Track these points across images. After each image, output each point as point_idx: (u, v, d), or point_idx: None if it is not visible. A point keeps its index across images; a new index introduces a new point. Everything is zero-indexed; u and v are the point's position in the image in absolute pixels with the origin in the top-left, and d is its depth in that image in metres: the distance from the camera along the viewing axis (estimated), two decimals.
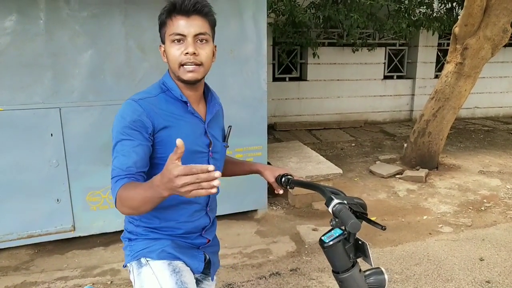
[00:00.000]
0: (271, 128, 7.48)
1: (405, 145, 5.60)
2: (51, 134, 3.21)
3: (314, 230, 3.71)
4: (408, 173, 5.05)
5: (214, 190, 0.96)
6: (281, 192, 1.65)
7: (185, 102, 1.38)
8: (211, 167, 0.94)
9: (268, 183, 1.68)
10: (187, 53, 1.28)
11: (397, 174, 5.12)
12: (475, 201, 4.34)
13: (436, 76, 8.41)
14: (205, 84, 1.48)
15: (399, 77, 8.63)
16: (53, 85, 3.15)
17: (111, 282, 2.95)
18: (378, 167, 5.36)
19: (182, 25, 1.27)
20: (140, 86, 1.45)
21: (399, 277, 2.98)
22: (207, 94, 1.50)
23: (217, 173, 0.95)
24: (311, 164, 4.64)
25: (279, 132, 7.37)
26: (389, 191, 4.67)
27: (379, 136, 7.25)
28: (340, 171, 4.42)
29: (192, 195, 0.96)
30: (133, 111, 1.28)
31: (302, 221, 3.93)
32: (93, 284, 2.93)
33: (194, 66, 1.30)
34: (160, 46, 1.38)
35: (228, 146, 1.57)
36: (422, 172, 5.02)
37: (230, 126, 1.58)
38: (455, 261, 3.16)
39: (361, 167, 5.50)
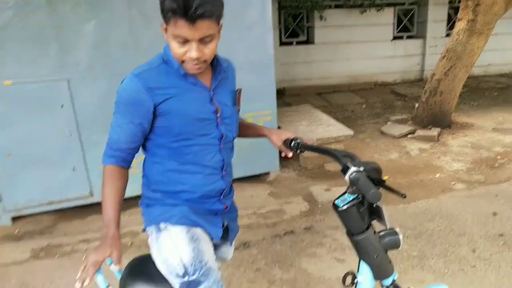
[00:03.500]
0: (281, 93, 7.42)
1: (417, 105, 5.54)
2: (62, 106, 3.24)
3: (326, 190, 3.75)
4: (420, 132, 5.02)
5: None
6: (290, 155, 1.63)
7: (184, 75, 1.34)
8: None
9: (276, 146, 1.67)
10: (190, 56, 1.24)
11: (409, 134, 5.10)
12: (489, 158, 4.32)
13: (448, 35, 8.19)
14: None
15: (409, 37, 8.43)
16: (59, 58, 3.14)
17: (131, 243, 3.04)
18: (390, 127, 5.33)
19: (186, 30, 1.18)
20: (146, 55, 1.43)
21: (412, 232, 3.02)
22: (213, 60, 1.43)
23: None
24: (321, 127, 4.64)
25: (289, 97, 7.32)
26: (401, 151, 4.67)
27: (390, 97, 7.17)
28: (351, 132, 4.42)
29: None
30: (132, 88, 1.29)
31: (315, 182, 3.97)
32: None
33: (198, 65, 1.28)
34: (162, 24, 1.27)
35: (239, 110, 1.54)
36: (434, 131, 4.99)
37: (239, 89, 1.55)
38: (468, 216, 3.19)
39: (372, 128, 5.48)
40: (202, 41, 1.23)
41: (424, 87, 5.48)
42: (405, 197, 1.34)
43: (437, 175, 3.99)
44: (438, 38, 8.30)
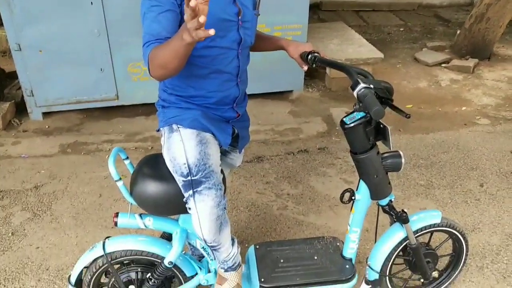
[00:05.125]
0: (316, 7, 7.05)
1: (458, 31, 5.20)
2: (91, 2, 3.23)
3: (347, 113, 3.74)
4: (455, 62, 4.78)
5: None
6: (305, 68, 1.64)
7: None
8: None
9: (293, 58, 1.67)
10: None
11: (444, 62, 4.86)
12: None
13: None
14: None
15: None
16: None
17: (152, 147, 3.22)
18: (424, 54, 5.09)
19: None
20: None
21: (424, 162, 3.05)
22: None
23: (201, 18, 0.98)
24: (352, 47, 4.47)
25: (324, 12, 6.96)
26: (431, 80, 4.51)
27: (432, 21, 6.72)
28: (382, 55, 4.26)
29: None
30: None
31: (337, 104, 3.95)
32: (135, 148, 3.22)
33: None
34: None
35: (259, 14, 1.54)
36: (470, 62, 4.74)
37: None
38: (484, 152, 3.17)
39: (406, 54, 5.25)
40: None
41: (470, 12, 5.09)
42: (409, 117, 1.36)
43: (463, 108, 3.88)
44: None
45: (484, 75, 4.60)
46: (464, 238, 1.82)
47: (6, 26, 3.19)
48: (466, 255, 1.88)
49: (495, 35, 4.93)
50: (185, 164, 1.44)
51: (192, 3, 0.96)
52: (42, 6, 3.15)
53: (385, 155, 1.55)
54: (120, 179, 1.51)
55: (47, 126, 3.48)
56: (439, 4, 7.67)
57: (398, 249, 1.72)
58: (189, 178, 1.43)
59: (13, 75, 3.63)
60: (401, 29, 6.29)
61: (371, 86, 1.35)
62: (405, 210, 1.63)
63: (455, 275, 1.93)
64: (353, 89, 1.36)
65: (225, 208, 1.49)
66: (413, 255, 1.73)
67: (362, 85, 1.33)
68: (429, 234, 1.80)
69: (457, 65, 4.72)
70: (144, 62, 1.27)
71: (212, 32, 1.00)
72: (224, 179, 1.57)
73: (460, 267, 1.91)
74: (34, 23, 3.19)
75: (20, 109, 3.60)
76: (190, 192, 1.44)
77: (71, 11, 3.22)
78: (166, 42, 1.19)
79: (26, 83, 3.38)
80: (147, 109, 3.69)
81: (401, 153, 1.54)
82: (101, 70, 3.48)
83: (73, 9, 3.21)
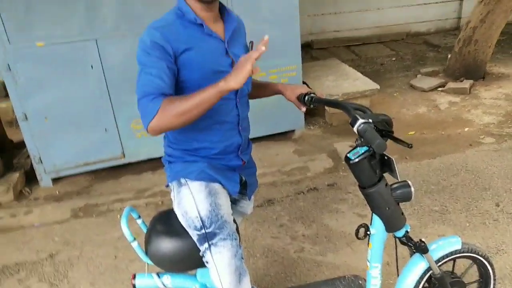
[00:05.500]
0: (308, 46, 7.26)
1: (449, 55, 5.31)
2: (92, 66, 3.34)
3: (351, 146, 3.76)
4: (451, 85, 4.85)
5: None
6: (303, 109, 1.67)
7: (201, 25, 1.40)
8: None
9: (291, 101, 1.70)
10: None
11: (439, 86, 4.93)
12: None
13: None
14: (220, 3, 1.47)
15: None
16: (87, 17, 3.21)
17: (162, 202, 3.22)
18: (419, 80, 5.17)
19: None
20: (168, 10, 1.49)
21: (435, 187, 3.03)
22: (223, 12, 1.50)
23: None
24: (348, 81, 4.56)
25: (316, 51, 7.15)
26: (429, 104, 4.56)
27: (422, 48, 6.88)
28: (377, 86, 4.34)
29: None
30: (153, 36, 1.33)
31: (339, 139, 3.98)
32: (146, 204, 3.23)
33: None
34: None
35: None
36: (466, 83, 4.81)
37: (251, 42, 1.56)
38: (495, 170, 3.15)
39: (401, 82, 5.34)
40: None
41: (458, 36, 5.23)
42: (411, 147, 1.37)
43: (466, 129, 3.90)
44: None
45: (481, 95, 4.65)
46: (488, 262, 1.78)
47: (12, 97, 3.30)
48: (494, 279, 1.82)
49: (486, 56, 5.04)
50: (197, 217, 1.44)
51: (263, 49, 1.17)
52: (45, 75, 3.26)
53: (394, 186, 1.55)
54: (135, 239, 1.51)
55: (57, 192, 3.51)
56: (426, 31, 7.88)
57: (423, 281, 1.68)
58: (203, 231, 1.43)
59: (21, 145, 3.70)
60: (393, 59, 6.43)
61: (370, 120, 1.36)
62: (423, 240, 1.60)
63: None
64: (353, 125, 1.37)
65: (242, 257, 1.48)
66: (439, 286, 1.68)
67: (361, 120, 1.34)
68: (452, 261, 1.76)
69: (453, 88, 4.79)
70: (144, 114, 1.26)
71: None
72: (237, 228, 1.56)
73: None
74: (38, 92, 3.29)
75: (30, 177, 3.64)
76: (206, 245, 1.43)
77: (72, 76, 3.33)
78: (191, 95, 1.24)
79: (34, 151, 3.44)
80: (153, 164, 3.72)
81: (409, 182, 1.54)
82: (106, 130, 3.55)
83: (74, 74, 3.33)
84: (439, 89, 4.90)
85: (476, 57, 5.01)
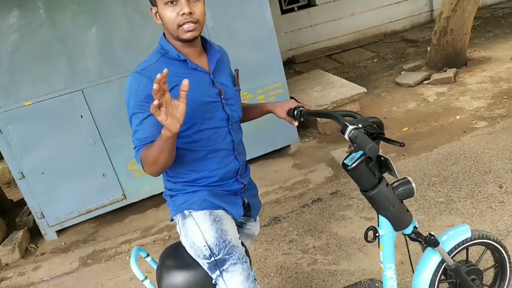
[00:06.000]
0: (290, 62, 7.37)
1: (429, 48, 5.40)
2: (81, 116, 3.38)
3: (348, 152, 3.77)
4: (436, 76, 4.91)
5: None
6: (296, 124, 1.68)
7: (185, 60, 1.43)
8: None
9: (281, 118, 1.72)
10: (183, 13, 1.32)
11: (425, 80, 5.00)
12: (510, 90, 4.20)
13: None
14: (202, 37, 1.51)
15: None
16: (69, 70, 3.27)
17: (169, 237, 3.21)
18: (404, 77, 5.24)
19: None
20: (149, 51, 1.51)
21: (437, 179, 3.03)
22: (205, 45, 1.53)
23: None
24: (334, 89, 4.61)
25: (298, 65, 7.25)
26: (418, 99, 4.60)
27: (401, 45, 6.99)
28: (364, 89, 4.39)
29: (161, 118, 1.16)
30: (139, 83, 1.36)
31: (335, 146, 4.00)
32: (153, 241, 3.21)
33: (192, 24, 1.35)
34: (151, 8, 1.42)
35: (239, 90, 1.60)
36: (450, 72, 4.87)
37: (236, 70, 1.61)
38: (493, 153, 3.16)
39: (387, 81, 5.40)
40: None
41: (433, 28, 5.33)
42: (403, 145, 1.38)
43: (458, 117, 3.93)
44: None
45: (466, 81, 4.71)
46: (501, 245, 1.77)
47: (7, 158, 3.31)
48: (510, 262, 1.81)
49: (463, 43, 5.12)
50: (205, 246, 1.44)
51: (155, 103, 1.12)
52: (37, 132, 3.30)
53: (395, 184, 1.56)
54: (146, 278, 1.50)
55: (63, 243, 3.48)
56: (402, 29, 8.03)
57: (439, 274, 1.67)
58: (212, 259, 1.43)
59: (21, 203, 3.70)
60: (375, 60, 6.53)
61: (360, 125, 1.37)
62: (432, 233, 1.60)
63: (505, 286, 1.85)
64: (343, 133, 1.38)
65: (255, 279, 1.47)
66: (455, 277, 1.67)
67: (350, 127, 1.35)
68: (465, 250, 1.75)
69: (438, 79, 4.85)
70: (138, 164, 1.38)
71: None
72: (247, 251, 1.56)
73: (508, 276, 1.84)
74: (32, 149, 3.32)
75: (34, 233, 3.62)
76: (217, 272, 1.43)
77: (64, 129, 3.36)
78: (153, 143, 1.30)
79: (36, 207, 3.44)
80: (155, 200, 3.72)
81: (410, 178, 1.55)
82: (104, 175, 3.56)
83: (65, 126, 3.36)
84: (425, 82, 4.96)
85: (454, 46, 5.09)
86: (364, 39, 7.73)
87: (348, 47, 7.61)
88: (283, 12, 7.62)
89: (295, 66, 7.23)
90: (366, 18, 7.85)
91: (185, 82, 1.14)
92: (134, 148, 1.39)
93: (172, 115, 1.17)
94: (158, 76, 1.10)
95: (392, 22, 8.02)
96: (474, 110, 3.97)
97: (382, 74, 5.74)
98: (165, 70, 1.13)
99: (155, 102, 1.11)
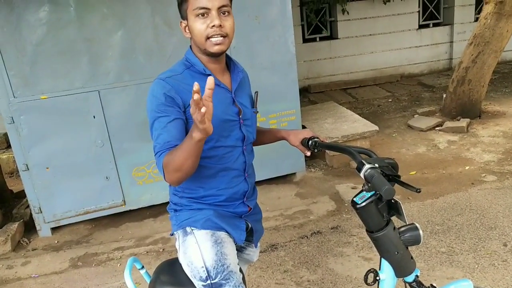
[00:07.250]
0: (305, 91, 7.42)
1: (444, 95, 5.42)
2: (94, 116, 3.40)
3: (353, 188, 3.75)
4: (449, 124, 4.91)
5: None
6: (308, 154, 1.67)
7: (209, 75, 1.43)
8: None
9: (294, 146, 1.71)
10: (213, 25, 1.33)
11: (437, 126, 4.99)
12: None
13: (477, 19, 7.90)
14: (227, 55, 1.52)
15: (435, 25, 8.20)
16: (90, 69, 3.31)
17: (163, 249, 3.16)
18: (417, 120, 5.24)
19: (205, 0, 1.32)
20: (170, 61, 1.52)
21: (440, 228, 2.99)
22: (229, 64, 1.54)
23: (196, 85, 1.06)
24: (346, 124, 4.62)
25: (313, 94, 7.30)
26: (428, 144, 4.59)
27: (417, 89, 7.03)
28: (376, 128, 4.38)
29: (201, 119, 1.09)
30: (163, 88, 1.36)
31: (341, 181, 3.97)
32: (147, 252, 3.16)
33: (220, 38, 1.35)
34: (181, 22, 1.43)
35: (257, 112, 1.61)
36: (463, 122, 4.87)
37: (256, 92, 1.61)
38: (499, 209, 3.12)
39: (399, 122, 5.40)
40: (221, 10, 1.34)
41: (451, 76, 5.35)
42: (419, 191, 1.35)
43: (467, 167, 3.90)
44: (466, 23, 8.04)
45: (479, 133, 4.69)
46: None
47: (14, 148, 3.32)
48: None
49: (480, 95, 5.14)
50: (203, 267, 1.41)
51: (195, 97, 1.04)
52: (48, 126, 3.31)
53: (402, 229, 1.52)
54: None
55: (56, 242, 3.45)
56: (420, 73, 8.09)
57: None
58: (208, 281, 1.40)
59: (21, 195, 3.68)
60: (390, 100, 6.55)
61: (376, 165, 1.36)
62: (434, 285, 1.56)
63: None
64: (359, 171, 1.36)
65: None
66: None
67: (367, 166, 1.33)
68: None
69: (450, 127, 4.84)
70: (159, 171, 1.30)
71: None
72: (244, 278, 1.53)
73: None
74: (40, 143, 3.32)
75: (29, 227, 3.59)
76: None
77: (75, 127, 3.37)
78: (178, 146, 1.25)
79: (34, 201, 3.42)
80: (154, 210, 3.69)
81: (417, 225, 1.52)
82: (107, 178, 3.55)
83: (77, 124, 3.37)
84: (437, 128, 4.95)
85: (470, 96, 5.10)
86: (381, 78, 7.78)
87: (365, 83, 7.66)
88: (305, 40, 7.71)
89: (309, 95, 7.27)
90: (385, 57, 7.93)
91: (211, 80, 1.08)
92: (156, 153, 1.32)
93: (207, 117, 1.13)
94: (195, 87, 1.05)
95: (410, 64, 8.09)
96: (484, 163, 3.94)
97: (395, 115, 5.75)
98: (196, 84, 1.06)
99: (195, 96, 1.04)
